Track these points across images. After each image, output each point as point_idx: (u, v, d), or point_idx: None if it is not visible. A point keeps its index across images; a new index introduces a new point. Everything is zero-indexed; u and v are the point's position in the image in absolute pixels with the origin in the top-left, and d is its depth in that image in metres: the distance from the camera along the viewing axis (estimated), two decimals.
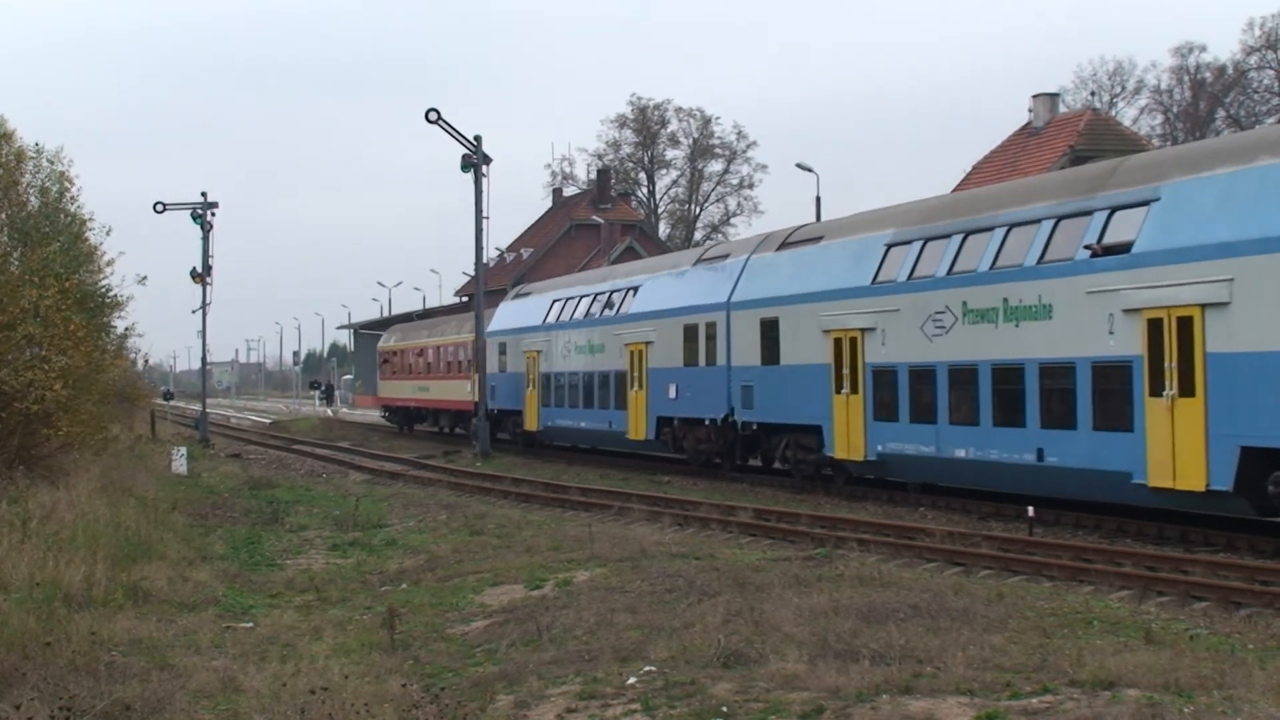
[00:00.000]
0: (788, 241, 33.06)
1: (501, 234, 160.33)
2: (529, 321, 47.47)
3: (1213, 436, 20.17)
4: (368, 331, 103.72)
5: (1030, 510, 22.94)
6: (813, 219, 48.34)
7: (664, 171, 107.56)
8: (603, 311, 41.82)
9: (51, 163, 36.40)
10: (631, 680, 12.22)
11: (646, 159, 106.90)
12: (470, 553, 21.95)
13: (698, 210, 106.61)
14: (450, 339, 57.50)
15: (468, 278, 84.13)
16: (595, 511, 28.07)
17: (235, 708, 11.98)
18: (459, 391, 53.46)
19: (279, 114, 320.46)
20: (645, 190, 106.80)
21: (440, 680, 13.23)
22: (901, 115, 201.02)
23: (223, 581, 19.72)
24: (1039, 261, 23.77)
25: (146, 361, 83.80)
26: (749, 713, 11.00)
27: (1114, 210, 22.66)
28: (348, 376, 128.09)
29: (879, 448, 27.76)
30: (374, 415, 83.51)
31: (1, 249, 31.21)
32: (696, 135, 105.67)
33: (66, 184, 36.66)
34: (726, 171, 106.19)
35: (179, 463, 38.66)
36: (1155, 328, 21.17)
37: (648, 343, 38.06)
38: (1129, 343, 21.66)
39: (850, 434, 28.63)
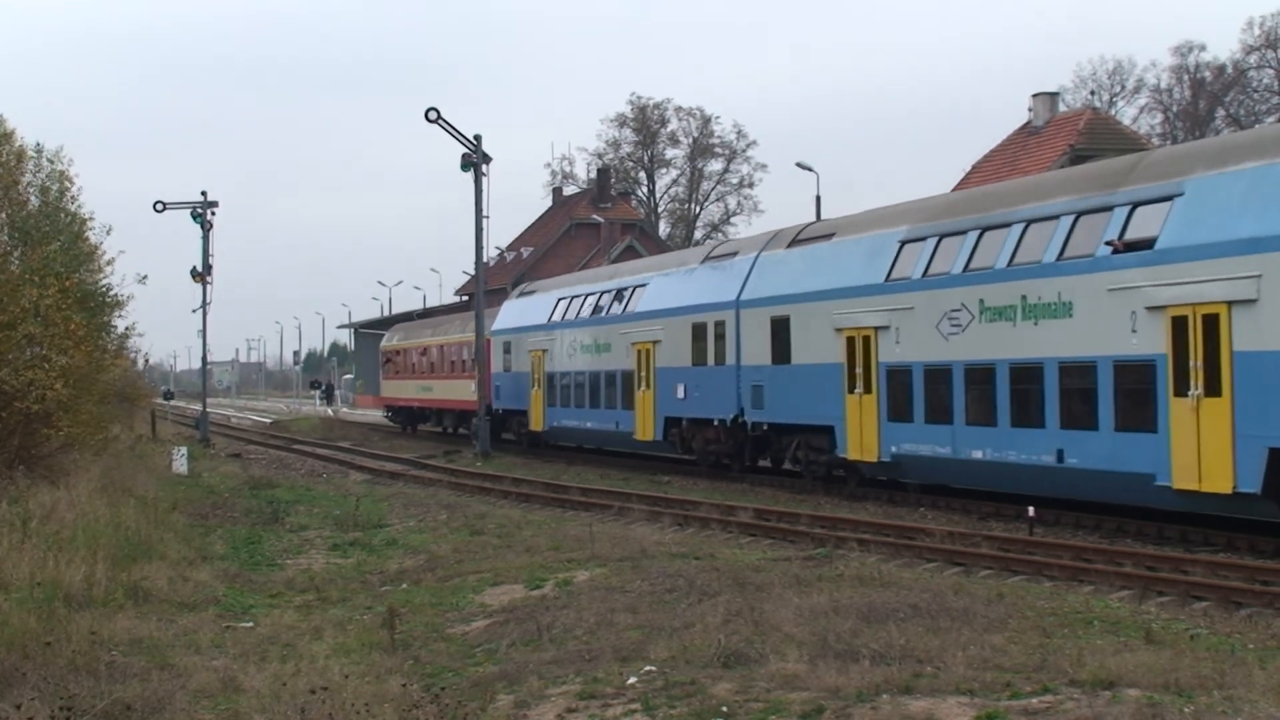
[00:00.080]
0: (798, 239, 32.58)
1: (501, 233, 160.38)
2: (534, 320, 47.00)
3: (1240, 437, 19.63)
4: (368, 331, 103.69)
5: (1030, 510, 22.90)
6: (813, 218, 48.25)
7: (664, 171, 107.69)
8: (609, 310, 41.28)
9: (51, 162, 36.43)
10: (632, 680, 12.22)
11: (646, 158, 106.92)
12: (470, 553, 21.95)
13: (698, 209, 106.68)
14: (454, 338, 57.04)
15: (468, 277, 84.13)
16: (595, 511, 28.07)
17: (235, 707, 11.99)
18: (463, 391, 52.94)
19: (279, 114, 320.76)
20: (645, 189, 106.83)
21: (440, 680, 13.23)
22: (901, 115, 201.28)
23: (223, 581, 19.73)
24: (1058, 258, 23.29)
25: (147, 361, 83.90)
26: (749, 713, 11.00)
27: (1136, 206, 22.18)
28: (348, 376, 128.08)
29: (893, 449, 27.26)
30: (374, 415, 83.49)
31: (2, 248, 31.21)
32: (696, 134, 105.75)
33: (67, 183, 36.69)
34: (726, 171, 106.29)
35: (179, 462, 38.66)
36: (1180, 326, 20.68)
37: (655, 342, 37.54)
38: (1152, 341, 21.18)
39: (863, 435, 28.15)
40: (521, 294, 51.12)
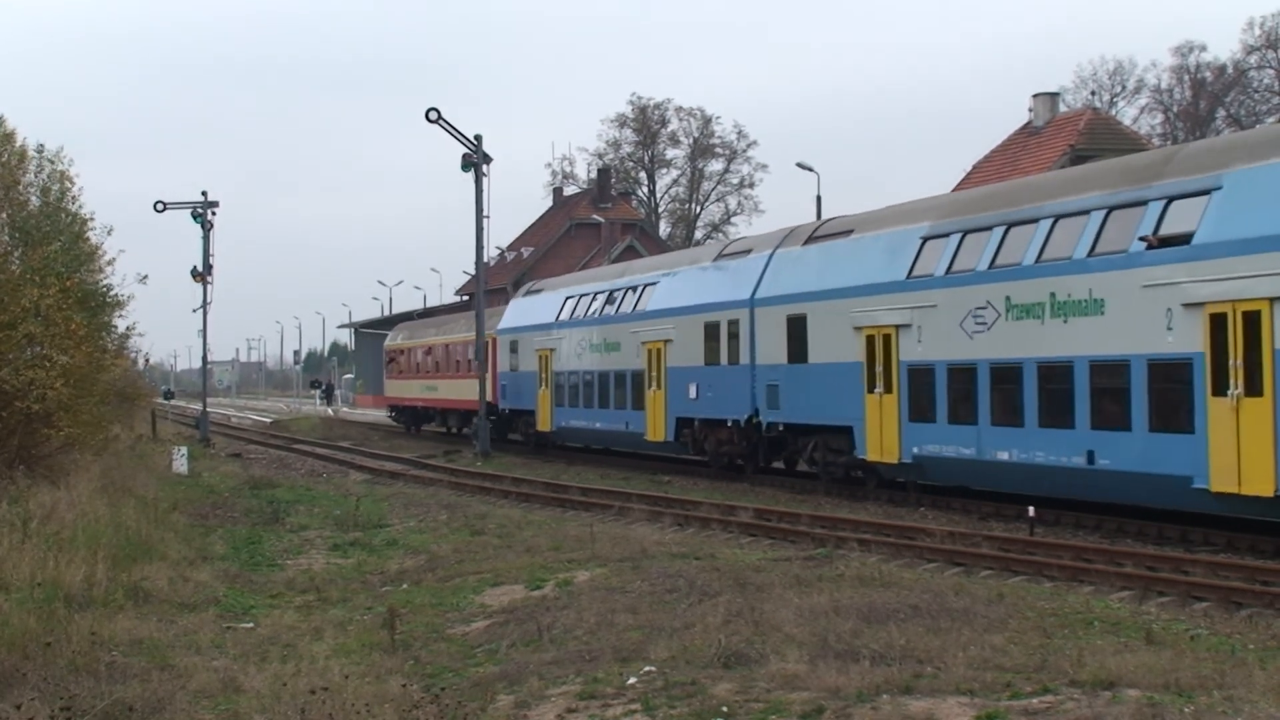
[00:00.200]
0: (815, 235, 31.97)
1: (501, 233, 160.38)
2: (541, 319, 46.40)
3: None
4: (368, 331, 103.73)
5: (1031, 510, 22.88)
6: (813, 218, 48.25)
7: (664, 171, 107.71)
8: (618, 309, 40.68)
9: (52, 162, 36.44)
10: (632, 680, 12.23)
11: (647, 158, 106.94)
12: (471, 553, 21.94)
13: (698, 209, 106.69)
14: (459, 337, 56.55)
15: (468, 277, 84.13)
16: (596, 511, 28.07)
17: (236, 708, 11.99)
18: (468, 391, 52.27)
19: (279, 114, 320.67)
20: (645, 189, 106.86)
21: (441, 680, 13.23)
22: (900, 115, 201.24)
23: (223, 582, 19.73)
24: (1089, 254, 22.67)
25: (147, 361, 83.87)
26: (749, 713, 11.00)
27: (1171, 200, 21.54)
28: (348, 376, 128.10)
29: (914, 450, 26.70)
30: (374, 415, 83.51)
31: (2, 248, 31.22)
32: (697, 135, 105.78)
33: (67, 184, 36.70)
34: (727, 171, 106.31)
35: (179, 462, 38.66)
36: (1219, 323, 20.03)
37: (666, 341, 36.94)
38: (1189, 339, 20.54)
39: (884, 435, 27.60)
40: (528, 293, 50.54)
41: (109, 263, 38.92)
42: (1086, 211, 23.17)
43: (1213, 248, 20.33)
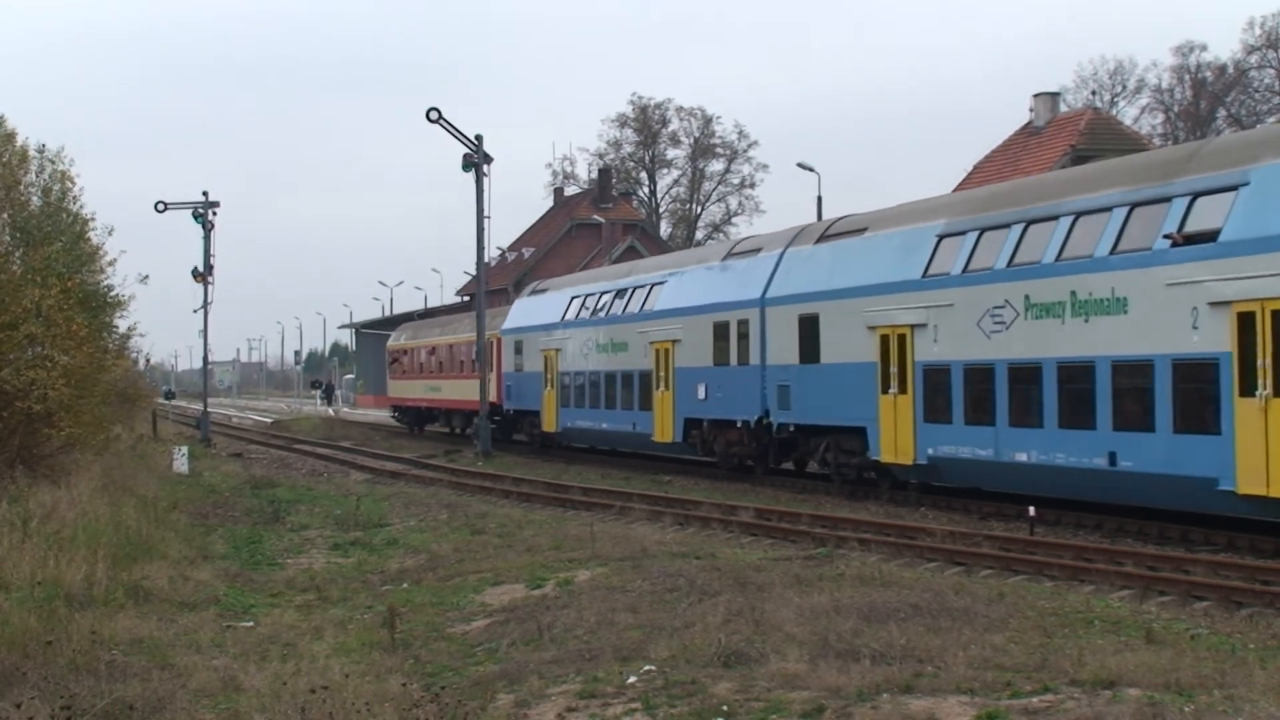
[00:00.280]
0: (827, 234, 31.52)
1: (502, 233, 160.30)
2: (546, 319, 46.02)
3: None
4: (369, 331, 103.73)
5: (1031, 510, 22.87)
6: (814, 218, 48.27)
7: (665, 171, 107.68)
8: (625, 309, 40.28)
9: (53, 163, 36.43)
10: (632, 679, 12.22)
11: (647, 158, 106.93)
12: (471, 552, 21.95)
13: (699, 210, 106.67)
14: (463, 337, 56.08)
15: (469, 277, 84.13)
16: (596, 511, 28.07)
17: (236, 707, 11.99)
18: (472, 391, 51.57)
19: (279, 114, 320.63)
20: (646, 190, 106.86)
21: (441, 679, 13.24)
22: (901, 115, 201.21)
23: (224, 581, 19.74)
24: (1111, 252, 22.25)
25: (148, 361, 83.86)
26: (750, 712, 11.00)
27: (1196, 196, 21.05)
28: (349, 376, 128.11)
29: (930, 451, 26.32)
30: (375, 415, 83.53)
31: (3, 248, 31.22)
32: (697, 135, 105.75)
33: (68, 184, 36.70)
34: (728, 171, 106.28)
35: (180, 462, 38.66)
36: (1247, 322, 19.62)
37: (674, 341, 36.56)
38: (1216, 338, 20.12)
39: (898, 436, 27.20)
40: (533, 292, 50.11)
41: (110, 263, 38.93)
42: (1108, 208, 22.74)
43: (1240, 245, 19.94)
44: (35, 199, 35.56)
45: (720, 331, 34.34)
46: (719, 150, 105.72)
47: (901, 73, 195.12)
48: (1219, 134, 72.77)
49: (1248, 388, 19.64)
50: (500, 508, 29.23)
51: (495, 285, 76.66)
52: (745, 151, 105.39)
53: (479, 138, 45.39)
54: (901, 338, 27.12)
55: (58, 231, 34.30)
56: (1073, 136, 51.73)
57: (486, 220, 46.15)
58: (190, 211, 58.11)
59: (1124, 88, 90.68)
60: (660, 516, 26.42)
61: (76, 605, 15.81)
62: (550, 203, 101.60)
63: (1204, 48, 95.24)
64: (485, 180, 45.76)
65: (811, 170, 56.39)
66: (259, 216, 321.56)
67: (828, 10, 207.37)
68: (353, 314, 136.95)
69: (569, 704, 11.70)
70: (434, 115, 44.41)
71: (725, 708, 11.08)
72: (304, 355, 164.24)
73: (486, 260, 49.54)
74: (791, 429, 31.56)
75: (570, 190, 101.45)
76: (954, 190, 49.87)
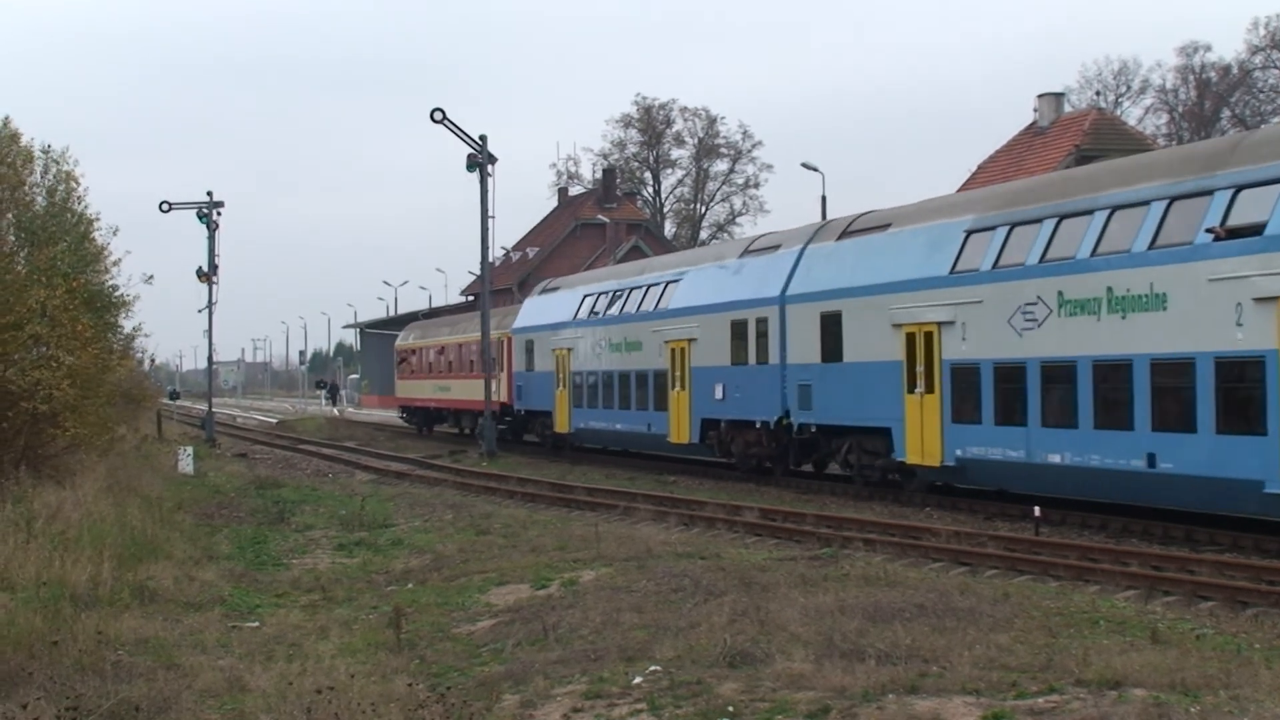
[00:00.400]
0: (850, 230, 30.80)
1: (504, 233, 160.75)
2: (558, 318, 45.40)
3: None
4: (374, 331, 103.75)
5: (1036, 510, 22.84)
6: (818, 218, 48.22)
7: (669, 171, 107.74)
8: (639, 307, 39.59)
9: (58, 163, 36.49)
10: (637, 680, 12.22)
11: (652, 158, 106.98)
12: (476, 552, 21.95)
13: (703, 210, 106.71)
14: (473, 336, 55.02)
15: (473, 277, 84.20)
16: (601, 511, 28.07)
17: (241, 707, 12.01)
18: (482, 391, 51.96)
19: (279, 114, 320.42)
20: (650, 190, 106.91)
21: (446, 680, 13.25)
22: (901, 115, 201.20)
23: (229, 581, 19.75)
24: (1150, 246, 21.56)
25: (153, 361, 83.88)
26: (755, 712, 11.00)
27: (1239, 189, 20.36)
28: (354, 376, 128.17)
29: (958, 452, 25.66)
30: (380, 415, 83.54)
31: (8, 249, 31.27)
32: (702, 135, 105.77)
33: (73, 184, 36.75)
34: (732, 171, 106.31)
35: (185, 462, 38.68)
36: None
37: (691, 340, 35.90)
38: (1262, 335, 19.43)
39: (924, 437, 26.52)
40: (544, 291, 49.48)
41: (115, 263, 38.96)
42: (1146, 202, 22.11)
43: None
44: (40, 199, 35.63)
45: (738, 330, 33.76)
46: (723, 150, 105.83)
47: (901, 73, 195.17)
48: (1223, 134, 72.70)
49: None
50: (505, 508, 29.24)
51: (500, 285, 76.68)
52: (749, 151, 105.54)
53: (483, 138, 45.39)
54: (928, 335, 26.54)
55: (62, 232, 34.35)
56: (1077, 137, 51.70)
57: (491, 220, 46.11)
58: (195, 211, 58.12)
59: (1128, 88, 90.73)
60: (665, 517, 26.42)
61: (82, 605, 15.83)
62: (554, 203, 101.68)
63: (1208, 48, 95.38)
64: (489, 180, 45.73)
65: (815, 170, 56.43)
66: (260, 216, 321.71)
67: (828, 10, 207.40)
68: (357, 314, 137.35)
69: (574, 704, 11.71)
70: (438, 116, 44.39)
71: (730, 708, 11.08)
72: (309, 355, 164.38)
73: (491, 260, 49.49)
74: (813, 430, 30.96)
75: (575, 190, 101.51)
76: (958, 190, 49.87)
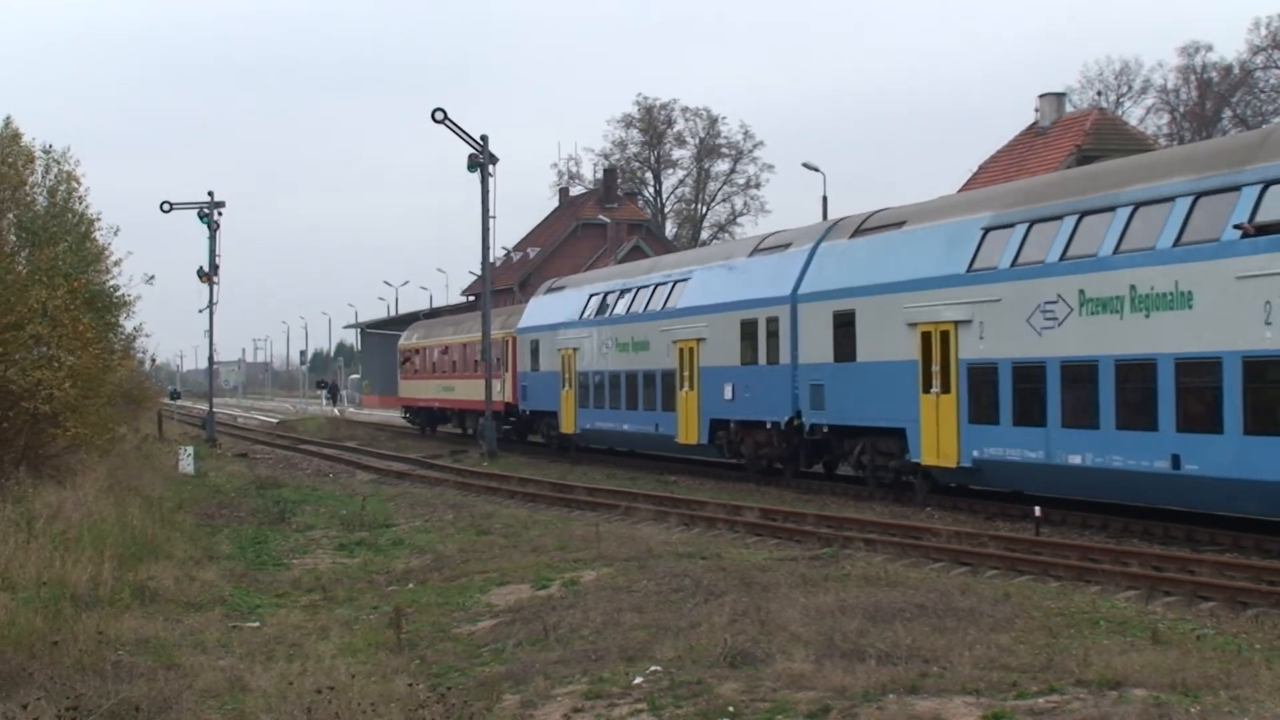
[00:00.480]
0: (863, 228, 30.36)
1: (505, 233, 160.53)
2: (564, 317, 44.97)
3: None
4: (374, 331, 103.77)
5: (1037, 510, 22.83)
6: (819, 218, 48.20)
7: (670, 171, 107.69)
8: (647, 306, 39.12)
9: (59, 163, 36.52)
10: (638, 680, 12.22)
11: (653, 158, 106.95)
12: (477, 552, 21.96)
13: (704, 210, 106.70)
14: (478, 336, 54.91)
15: (474, 277, 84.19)
16: (602, 511, 28.07)
17: (242, 707, 12.01)
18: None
19: (279, 114, 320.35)
20: (651, 190, 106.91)
21: (447, 680, 13.25)
22: (901, 115, 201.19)
23: (229, 581, 19.76)
24: (1175, 243, 21.08)
25: (154, 361, 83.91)
26: (755, 712, 11.00)
27: (1269, 184, 19.99)
28: (355, 376, 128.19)
29: (974, 453, 25.19)
30: (380, 415, 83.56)
31: (9, 249, 31.27)
32: (703, 135, 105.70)
33: (74, 184, 36.78)
34: (733, 171, 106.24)
35: (186, 462, 38.69)
36: None
37: (699, 339, 35.45)
38: None
39: (940, 438, 26.05)
40: (550, 290, 49.05)
41: (116, 263, 38.99)
42: (1170, 198, 21.63)
43: None
44: (41, 199, 35.66)
45: (748, 329, 33.36)
46: (724, 150, 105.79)
47: (901, 73, 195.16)
48: (1225, 134, 72.71)
49: None
50: (506, 508, 29.24)
51: (500, 285, 76.68)
52: (750, 152, 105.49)
53: (484, 138, 45.38)
54: (944, 335, 26.12)
55: (63, 232, 34.38)
56: (1078, 137, 51.68)
57: (492, 220, 46.08)
58: (195, 212, 58.13)
59: (1129, 88, 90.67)
60: (666, 517, 26.42)
61: (82, 605, 15.84)
62: (555, 203, 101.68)
63: (1209, 48, 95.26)
64: (490, 180, 45.71)
65: (816, 170, 56.41)
66: (260, 217, 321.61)
67: (828, 10, 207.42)
68: (358, 314, 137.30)
69: (575, 704, 11.71)
70: (440, 116, 44.41)
71: (731, 708, 11.08)
72: (309, 355, 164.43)
73: (492, 260, 49.47)
74: (825, 430, 30.52)
75: (576, 190, 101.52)
76: (959, 190, 49.87)
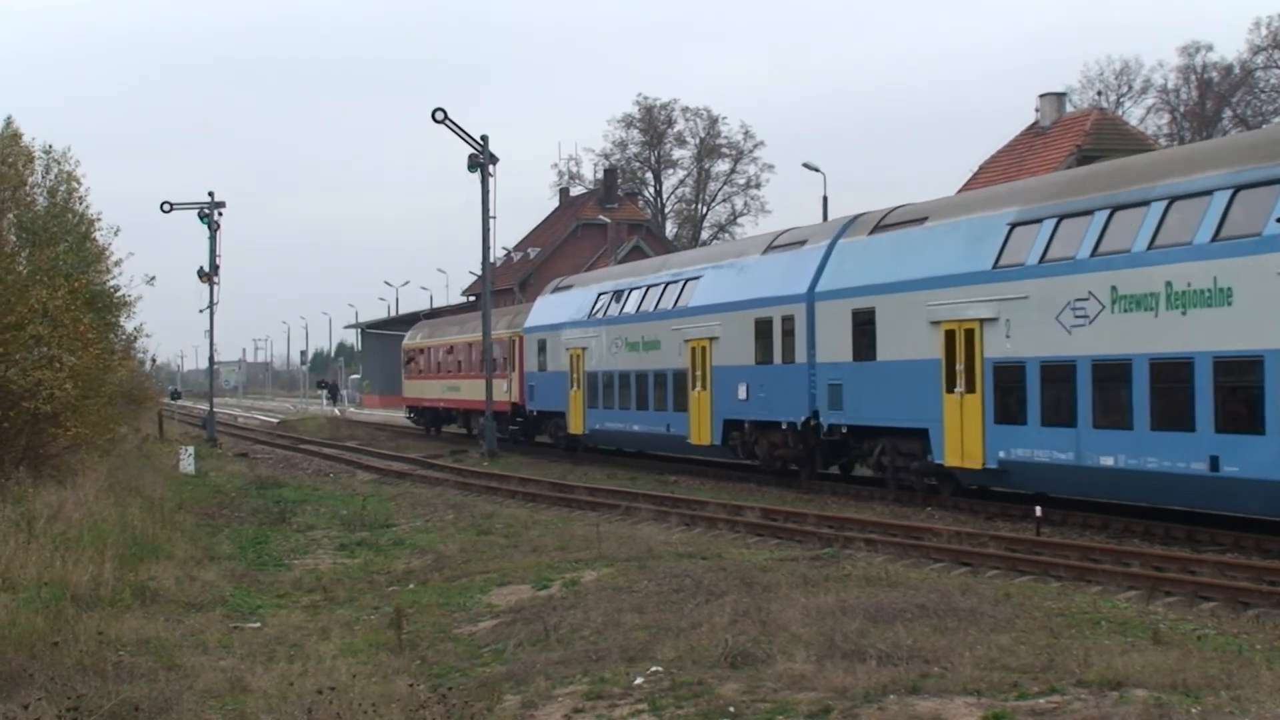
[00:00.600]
0: (883, 224, 29.75)
1: (505, 233, 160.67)
2: (571, 316, 44.48)
3: None
4: (375, 331, 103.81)
5: (1038, 510, 22.82)
6: (820, 218, 48.23)
7: (671, 171, 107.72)
8: (658, 305, 38.57)
9: (59, 163, 36.56)
10: (639, 680, 12.22)
11: (653, 158, 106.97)
12: (477, 552, 21.96)
13: (704, 210, 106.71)
14: None
15: (474, 277, 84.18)
16: (602, 511, 28.06)
17: (242, 708, 12.01)
18: (495, 391, 49.79)
19: (279, 114, 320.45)
20: (652, 190, 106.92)
21: (447, 680, 13.25)
22: (901, 115, 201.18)
23: (230, 581, 19.76)
24: (1213, 239, 20.45)
25: (154, 361, 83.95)
26: (756, 713, 11.00)
27: None
28: (355, 376, 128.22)
29: (1000, 454, 24.61)
30: (382, 415, 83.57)
31: (10, 249, 31.28)
32: (703, 135, 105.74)
33: (74, 184, 36.82)
34: (733, 171, 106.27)
35: (186, 462, 38.69)
36: None
37: (712, 338, 34.92)
38: None
39: (965, 439, 25.49)
40: (557, 289, 48.59)
41: (116, 263, 39.02)
42: (1208, 192, 20.97)
43: None
44: (41, 200, 35.69)
45: (763, 328, 32.77)
46: (725, 150, 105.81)
47: (902, 73, 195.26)
48: (1225, 135, 72.67)
49: None
50: (506, 508, 29.24)
51: (501, 285, 76.69)
52: (751, 152, 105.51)
53: (484, 138, 45.39)
54: (969, 333, 25.54)
55: (64, 232, 34.41)
56: (1078, 137, 51.68)
57: (492, 220, 46.08)
58: (195, 212, 58.14)
59: (1130, 88, 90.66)
60: (666, 517, 26.41)
61: (83, 606, 15.83)
62: (556, 203, 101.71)
63: (1210, 48, 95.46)
64: (490, 180, 45.71)
65: (817, 170, 56.41)
66: (260, 217, 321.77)
67: (828, 10, 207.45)
68: (358, 314, 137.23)
69: (576, 705, 11.71)
70: (440, 116, 44.41)
71: (732, 708, 11.08)
72: (309, 355, 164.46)
73: (492, 260, 49.46)
74: (843, 430, 29.92)
75: (576, 190, 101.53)
76: (958, 191, 49.88)
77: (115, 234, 39.08)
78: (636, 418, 39.32)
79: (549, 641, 14.55)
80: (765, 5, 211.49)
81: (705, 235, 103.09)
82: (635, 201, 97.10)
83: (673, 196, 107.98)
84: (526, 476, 36.47)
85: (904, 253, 28.21)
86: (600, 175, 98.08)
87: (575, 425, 43.76)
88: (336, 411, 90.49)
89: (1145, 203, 22.26)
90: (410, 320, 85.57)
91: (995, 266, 25.16)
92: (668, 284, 38.78)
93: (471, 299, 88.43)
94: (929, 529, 23.28)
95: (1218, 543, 21.08)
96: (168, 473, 36.65)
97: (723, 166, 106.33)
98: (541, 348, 46.79)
